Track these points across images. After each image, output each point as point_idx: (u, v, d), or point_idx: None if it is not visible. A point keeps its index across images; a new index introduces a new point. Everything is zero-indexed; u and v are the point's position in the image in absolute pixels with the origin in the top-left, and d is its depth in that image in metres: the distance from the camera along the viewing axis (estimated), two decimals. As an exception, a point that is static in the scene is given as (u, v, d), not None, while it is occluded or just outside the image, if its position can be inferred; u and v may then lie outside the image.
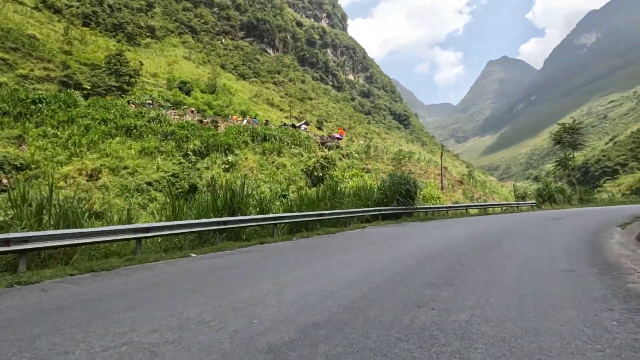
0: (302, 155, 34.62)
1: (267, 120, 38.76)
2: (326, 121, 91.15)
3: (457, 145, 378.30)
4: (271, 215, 9.03)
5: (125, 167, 24.46)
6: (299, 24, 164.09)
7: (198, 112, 38.72)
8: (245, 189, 9.50)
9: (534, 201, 23.31)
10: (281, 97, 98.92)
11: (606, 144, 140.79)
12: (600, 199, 31.63)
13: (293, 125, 40.85)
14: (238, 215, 8.52)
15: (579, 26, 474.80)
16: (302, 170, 31.30)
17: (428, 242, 7.96)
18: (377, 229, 10.85)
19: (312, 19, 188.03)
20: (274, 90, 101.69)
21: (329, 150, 40.46)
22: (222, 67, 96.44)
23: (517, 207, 22.03)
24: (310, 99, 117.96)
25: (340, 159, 39.09)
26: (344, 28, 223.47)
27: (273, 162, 32.23)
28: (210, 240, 7.93)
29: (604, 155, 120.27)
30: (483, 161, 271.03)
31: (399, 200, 13.70)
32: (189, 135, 30.29)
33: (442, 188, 34.22)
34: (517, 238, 8.19)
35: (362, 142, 48.47)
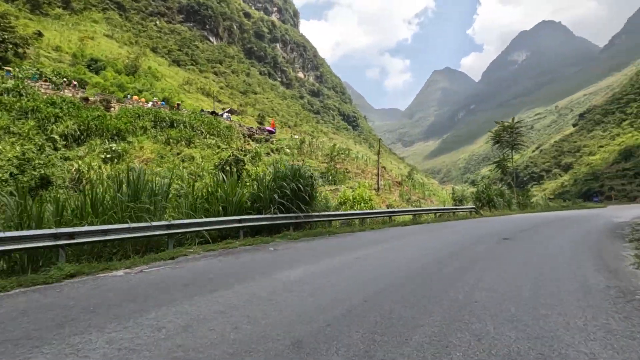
0: (218, 147, 29.17)
1: (178, 104, 32.47)
2: (269, 116, 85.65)
3: (404, 149, 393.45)
4: None
5: (-63, 151, 17.29)
6: (247, 15, 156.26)
7: (82, 88, 31.20)
8: None
9: (472, 206, 20.24)
10: (221, 87, 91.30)
11: (533, 151, 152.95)
12: (537, 203, 30.51)
13: (213, 113, 35.03)
14: None
15: (511, 44, 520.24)
16: (215, 164, 25.94)
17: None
18: (179, 270, 5.36)
19: (262, 12, 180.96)
20: (213, 80, 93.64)
21: (256, 144, 35.46)
22: (154, 50, 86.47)
23: (453, 213, 18.72)
24: (255, 92, 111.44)
25: (268, 153, 34.27)
26: (296, 25, 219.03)
27: (179, 154, 26.40)
28: None
29: (532, 162, 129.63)
30: (426, 165, 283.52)
31: (282, 205, 9.10)
32: (62, 114, 23.36)
33: (378, 189, 30.89)
34: (452, 324, 3.21)
35: (296, 136, 44.05)
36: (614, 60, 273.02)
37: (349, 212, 11.81)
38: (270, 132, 40.41)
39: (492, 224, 12.79)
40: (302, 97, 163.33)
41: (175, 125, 28.35)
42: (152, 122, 27.57)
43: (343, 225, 11.56)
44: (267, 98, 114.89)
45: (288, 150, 35.82)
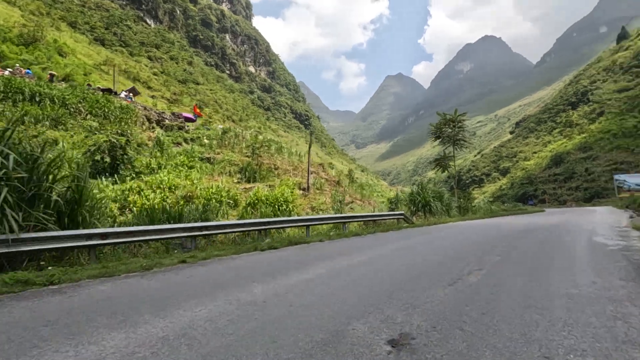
0: (102, 132, 22.74)
1: (52, 74, 25.24)
2: (206, 107, 78.26)
3: (357, 151, 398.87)
4: None
5: None
6: (193, 0, 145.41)
7: None
8: None
9: (401, 212, 15.92)
10: (154, 74, 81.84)
11: (475, 156, 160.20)
12: (479, 207, 28.07)
13: (108, 90, 28.23)
14: None
15: (458, 55, 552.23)
16: (83, 153, 19.70)
17: None
18: None
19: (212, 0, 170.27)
20: (145, 65, 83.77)
21: (164, 131, 29.31)
22: (72, 25, 74.89)
23: (374, 221, 14.45)
24: (197, 83, 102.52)
25: (179, 143, 28.34)
26: (248, 17, 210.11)
27: (36, 137, 19.67)
28: None
29: (474, 166, 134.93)
30: (378, 166, 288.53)
31: None
32: None
33: (307, 188, 26.38)
34: None
35: (220, 126, 38.33)
36: (545, 76, 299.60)
37: (139, 228, 6.32)
38: (189, 119, 34.32)
39: (414, 251, 7.21)
40: (252, 92, 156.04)
41: (37, 99, 21.46)
42: (1, 95, 20.48)
43: (176, 250, 6.58)
44: (210, 90, 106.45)
45: (206, 141, 30.15)
